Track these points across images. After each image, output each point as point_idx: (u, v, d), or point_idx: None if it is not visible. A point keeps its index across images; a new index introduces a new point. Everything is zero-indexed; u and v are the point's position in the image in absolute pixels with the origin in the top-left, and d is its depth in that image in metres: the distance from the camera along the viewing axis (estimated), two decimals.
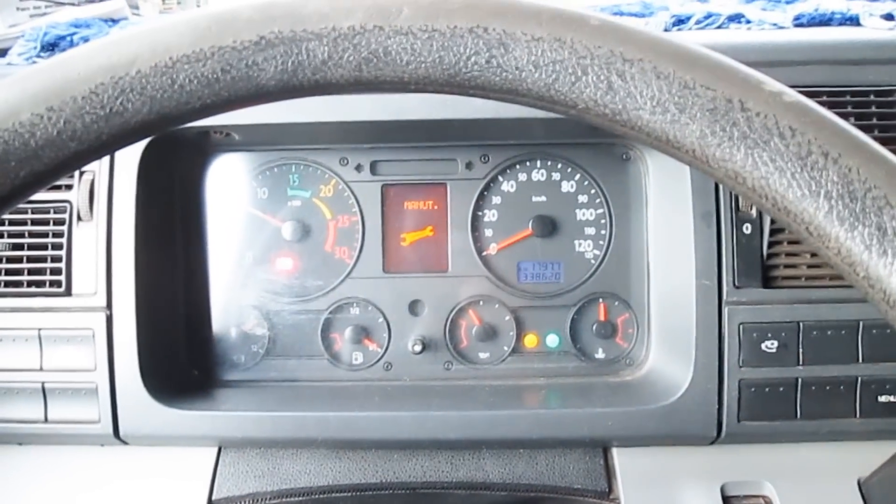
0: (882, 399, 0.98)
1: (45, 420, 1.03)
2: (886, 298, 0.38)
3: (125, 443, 1.05)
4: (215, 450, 1.07)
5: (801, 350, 0.98)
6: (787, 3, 1.21)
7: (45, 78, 0.44)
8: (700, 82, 0.41)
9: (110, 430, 1.02)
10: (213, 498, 1.03)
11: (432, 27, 0.43)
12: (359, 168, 1.14)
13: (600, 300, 1.15)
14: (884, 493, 0.95)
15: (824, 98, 0.97)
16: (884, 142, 0.97)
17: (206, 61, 0.43)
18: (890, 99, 0.98)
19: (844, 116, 0.96)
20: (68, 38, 1.13)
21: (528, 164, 1.14)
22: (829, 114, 0.41)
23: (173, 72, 0.43)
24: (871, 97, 0.98)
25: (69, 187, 1.03)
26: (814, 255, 0.99)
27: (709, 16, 1.15)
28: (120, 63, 0.43)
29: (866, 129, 0.94)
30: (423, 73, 0.44)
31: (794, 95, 0.41)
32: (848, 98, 0.98)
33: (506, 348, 1.16)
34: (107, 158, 1.02)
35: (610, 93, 0.42)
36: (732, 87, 0.41)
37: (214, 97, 0.44)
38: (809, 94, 0.95)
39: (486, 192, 1.14)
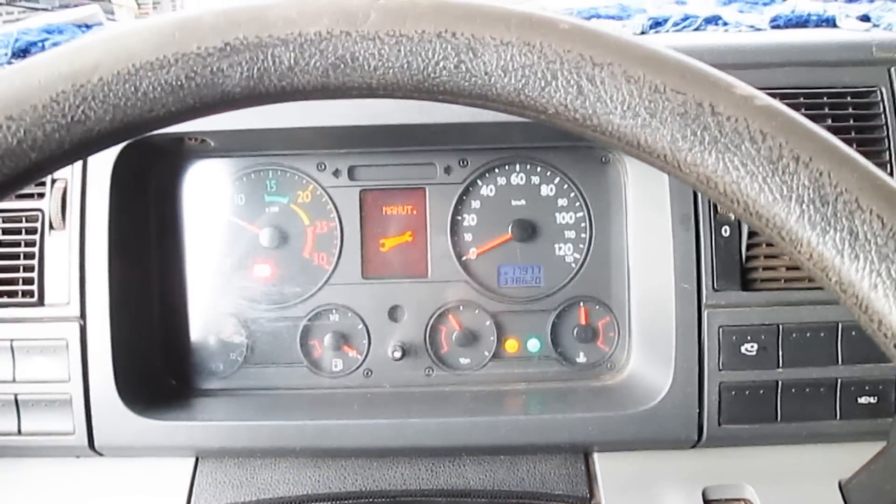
0: (862, 400, 0.98)
1: (19, 432, 1.02)
2: (859, 303, 0.37)
3: (100, 454, 1.03)
4: (192, 460, 1.06)
5: (780, 352, 0.98)
6: (764, 4, 1.22)
7: (5, 86, 0.43)
8: (670, 86, 0.40)
9: (85, 441, 1.01)
10: None
11: (399, 32, 0.42)
12: (336, 173, 1.13)
13: (581, 304, 1.14)
14: (864, 494, 0.95)
15: (801, 100, 0.97)
16: (861, 143, 0.98)
17: (170, 68, 0.42)
18: (867, 100, 0.98)
19: (821, 118, 0.97)
20: (40, 44, 1.11)
21: (507, 167, 1.14)
22: (800, 117, 0.40)
23: (136, 79, 0.42)
24: (848, 98, 0.98)
25: (41, 195, 1.01)
26: None
27: (686, 18, 1.15)
28: (82, 70, 0.42)
29: (843, 131, 0.96)
30: (390, 79, 0.44)
31: (765, 99, 0.40)
32: (825, 100, 0.98)
33: (486, 353, 1.15)
34: (79, 165, 1.01)
35: (580, 97, 0.41)
36: (703, 91, 0.40)
37: (179, 104, 0.44)
38: (786, 96, 0.95)
39: (465, 197, 1.14)
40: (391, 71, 0.43)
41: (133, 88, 0.42)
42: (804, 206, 0.38)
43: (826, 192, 0.38)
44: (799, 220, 0.38)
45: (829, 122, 0.97)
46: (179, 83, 0.43)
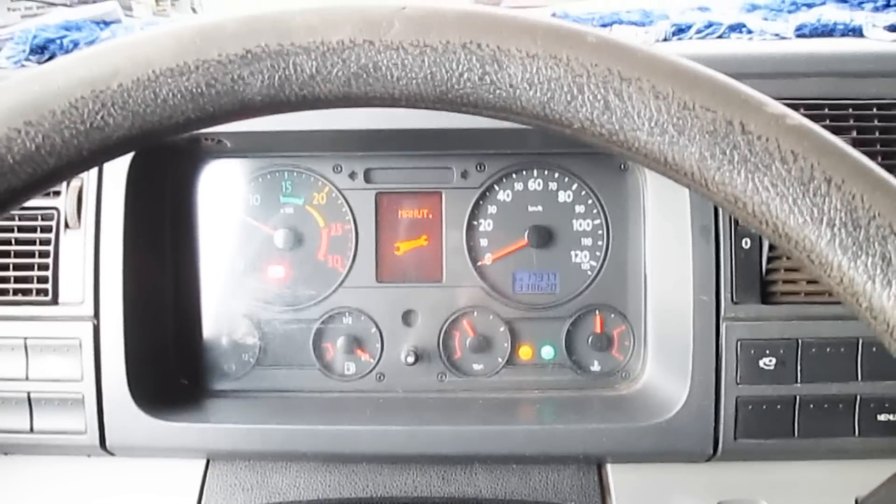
0: (881, 418, 0.96)
1: (31, 430, 1.01)
2: (890, 330, 0.37)
3: (112, 454, 1.03)
4: (203, 462, 1.06)
5: (799, 367, 0.96)
6: (790, 12, 1.20)
7: (23, 91, 0.42)
8: (700, 103, 0.39)
9: (97, 440, 1.01)
10: None
11: (424, 42, 0.41)
12: (352, 175, 1.13)
13: (596, 312, 1.13)
14: None
15: (826, 111, 0.96)
16: (886, 156, 0.96)
17: (190, 75, 0.42)
18: (893, 112, 0.96)
19: (846, 130, 0.95)
20: (58, 41, 1.11)
21: (524, 173, 1.13)
22: (832, 137, 0.39)
23: (156, 85, 0.42)
24: (874, 111, 0.96)
25: (57, 194, 1.01)
26: None
27: (709, 25, 1.14)
28: (101, 76, 0.42)
29: (868, 144, 0.95)
30: (413, 90, 0.43)
31: (796, 118, 0.40)
32: (850, 111, 0.96)
33: (500, 360, 1.14)
34: None
35: (607, 112, 0.41)
36: (733, 109, 0.39)
37: (199, 112, 0.43)
38: (810, 107, 0.94)
39: (481, 202, 1.13)
40: (414, 82, 0.42)
41: (153, 95, 0.42)
42: (835, 230, 0.37)
43: (858, 215, 0.37)
44: (830, 243, 0.37)
45: (854, 134, 0.95)
46: (199, 90, 0.42)
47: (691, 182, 0.41)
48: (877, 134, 0.96)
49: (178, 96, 0.42)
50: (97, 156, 0.44)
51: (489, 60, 0.41)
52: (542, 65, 0.41)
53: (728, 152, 0.39)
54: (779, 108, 0.40)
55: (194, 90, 0.42)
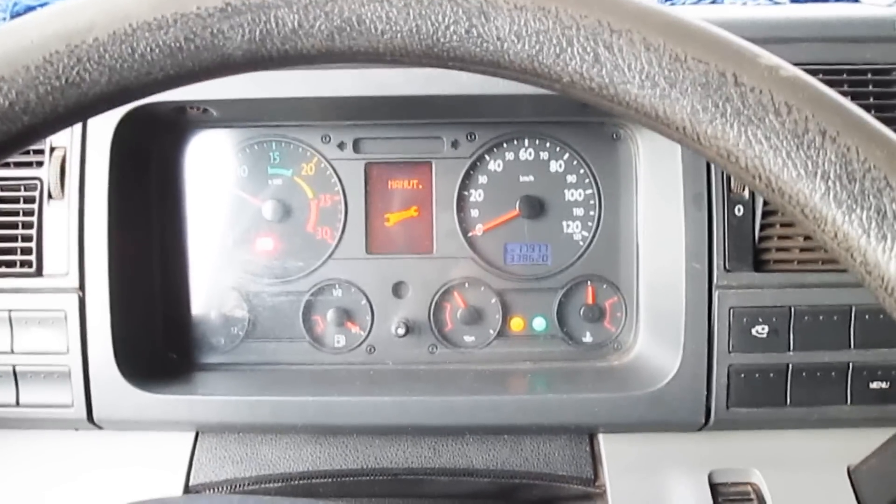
0: (874, 386, 0.96)
1: (17, 404, 1.01)
2: (885, 285, 0.36)
3: (100, 427, 1.02)
4: (192, 435, 1.05)
5: (792, 335, 0.96)
6: None
7: None
8: (692, 55, 0.38)
9: (84, 414, 1.00)
10: (191, 483, 1.01)
11: None
12: (341, 146, 1.11)
13: (588, 283, 1.12)
14: (873, 481, 0.94)
15: (820, 77, 0.93)
16: (880, 122, 0.94)
17: (169, 29, 0.40)
18: (887, 78, 0.96)
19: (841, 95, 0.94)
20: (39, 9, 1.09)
21: (515, 142, 1.11)
22: (827, 90, 0.39)
23: (133, 40, 0.40)
24: (868, 76, 0.96)
25: (40, 164, 0.99)
26: (807, 238, 0.97)
27: None
28: (76, 30, 0.40)
29: (863, 109, 0.93)
30: (398, 44, 0.42)
31: (791, 70, 0.39)
32: (844, 77, 0.95)
33: (491, 332, 1.13)
34: (78, 134, 0.99)
35: (596, 65, 0.39)
36: (726, 61, 0.38)
37: (178, 68, 0.42)
38: (805, 73, 0.92)
39: (472, 172, 1.12)
40: (399, 35, 0.41)
41: (130, 50, 0.41)
42: (830, 183, 0.36)
43: (853, 168, 0.36)
44: (824, 197, 0.36)
45: (849, 99, 0.94)
46: (178, 45, 0.41)
47: (683, 137, 0.40)
48: (871, 100, 0.95)
49: (157, 51, 0.41)
50: (74, 113, 0.42)
51: (476, 13, 0.40)
52: (530, 17, 0.39)
53: (721, 105, 0.38)
54: (773, 59, 0.39)
55: (173, 45, 0.41)
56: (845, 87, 0.95)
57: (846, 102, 0.38)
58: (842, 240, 0.36)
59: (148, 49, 0.41)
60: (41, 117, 0.41)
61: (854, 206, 0.35)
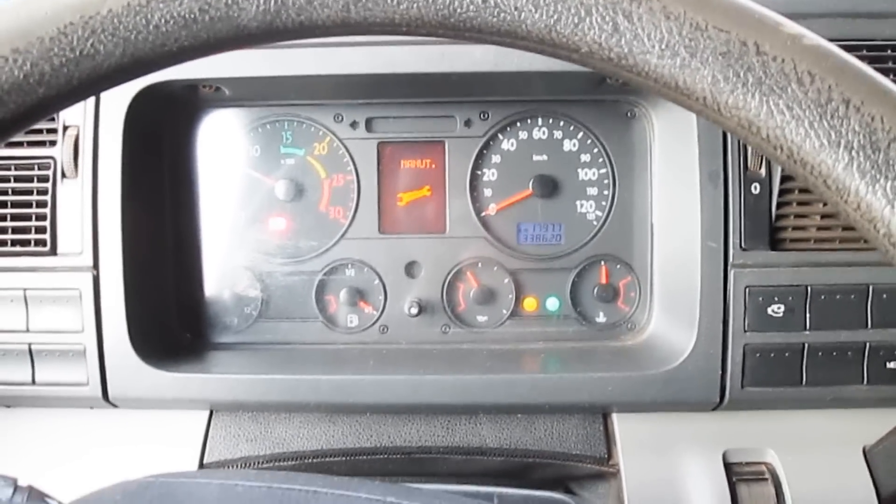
0: (890, 365, 0.95)
1: (33, 382, 1.01)
2: None
3: (114, 405, 1.03)
4: (207, 413, 1.05)
5: (808, 315, 0.95)
6: None
7: (10, 17, 0.41)
8: (713, 24, 0.37)
9: (99, 392, 1.00)
10: (205, 461, 1.02)
11: None
12: (354, 125, 1.11)
13: (602, 263, 1.12)
14: (889, 461, 0.93)
15: None
16: None
17: (183, 0, 0.40)
18: None
19: None
20: None
21: (528, 121, 1.11)
22: (851, 58, 0.38)
23: (148, 11, 0.40)
24: (889, 52, 0.94)
25: (53, 143, 0.99)
26: (823, 216, 0.96)
27: None
28: (90, 1, 0.40)
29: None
30: (414, 14, 0.41)
31: (813, 38, 0.38)
32: (864, 52, 0.94)
33: (504, 311, 1.13)
34: (91, 112, 0.99)
35: (615, 35, 0.39)
36: (748, 29, 0.37)
37: (192, 39, 0.41)
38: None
39: (485, 151, 1.11)
40: (415, 5, 0.40)
41: (144, 21, 0.40)
42: (853, 153, 0.35)
43: (878, 137, 0.35)
44: (847, 167, 0.35)
45: None
46: (193, 16, 0.40)
47: (703, 107, 0.39)
48: (891, 76, 0.93)
49: (171, 22, 0.40)
50: (88, 86, 0.42)
51: None
52: None
53: (742, 74, 0.37)
54: (795, 28, 0.38)
55: (187, 16, 0.40)
56: (865, 63, 0.93)
57: (870, 71, 0.37)
58: (865, 210, 0.35)
59: (162, 20, 0.40)
60: (56, 89, 0.41)
61: (878, 177, 0.35)
